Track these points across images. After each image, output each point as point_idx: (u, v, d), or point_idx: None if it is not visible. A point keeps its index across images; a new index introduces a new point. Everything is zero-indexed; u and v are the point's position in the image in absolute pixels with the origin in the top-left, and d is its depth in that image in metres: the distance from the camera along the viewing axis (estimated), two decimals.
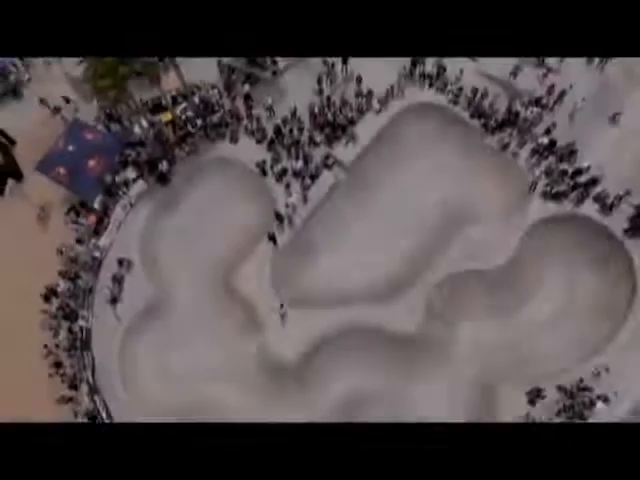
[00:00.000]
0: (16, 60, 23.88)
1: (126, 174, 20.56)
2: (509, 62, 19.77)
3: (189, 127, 21.08)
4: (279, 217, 19.55)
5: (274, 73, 21.70)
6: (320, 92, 21.15)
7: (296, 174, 20.19)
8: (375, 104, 20.59)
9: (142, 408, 18.03)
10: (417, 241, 19.91)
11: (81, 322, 18.82)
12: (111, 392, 18.18)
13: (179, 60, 19.32)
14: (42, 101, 22.62)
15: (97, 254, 19.64)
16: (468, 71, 20.20)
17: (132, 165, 20.67)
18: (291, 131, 20.64)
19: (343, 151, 20.46)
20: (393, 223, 19.93)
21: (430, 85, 20.79)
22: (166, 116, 21.33)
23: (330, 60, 21.01)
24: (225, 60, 21.67)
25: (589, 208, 18.70)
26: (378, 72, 20.17)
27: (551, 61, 20.09)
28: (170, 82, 20.84)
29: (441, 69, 20.47)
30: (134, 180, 20.58)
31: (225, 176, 20.97)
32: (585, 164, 18.83)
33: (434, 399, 17.96)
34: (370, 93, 20.60)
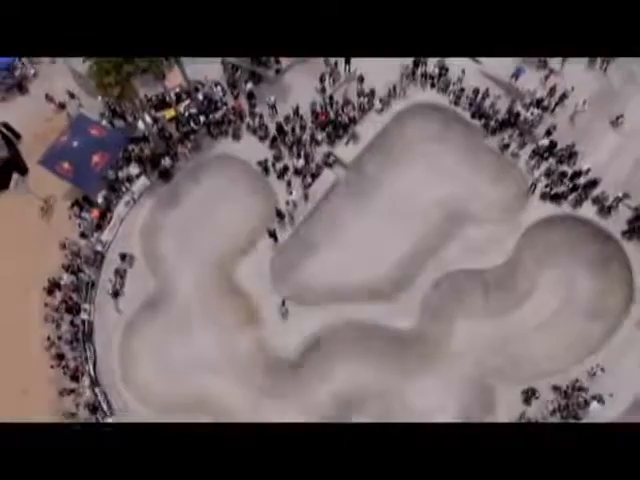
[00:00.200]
0: None
1: (129, 170, 20.77)
2: (511, 63, 19.83)
3: (192, 124, 21.25)
4: (280, 214, 19.72)
5: (277, 71, 21.85)
6: (323, 91, 21.29)
7: (297, 172, 20.35)
8: (377, 103, 20.71)
9: (142, 400, 18.32)
10: (416, 239, 20.05)
11: (83, 315, 19.08)
12: (112, 384, 18.44)
13: (183, 58, 19.49)
14: (48, 96, 22.86)
15: (100, 248, 19.87)
16: (470, 72, 20.29)
17: (135, 161, 20.88)
18: (293, 129, 20.78)
19: (344, 150, 20.60)
20: (393, 221, 20.07)
21: (432, 85, 20.90)
22: (169, 113, 21.54)
23: (333, 59, 21.15)
24: (229, 58, 21.82)
25: (588, 210, 18.82)
26: (380, 72, 20.29)
27: (553, 63, 20.16)
28: (174, 79, 21.05)
29: (443, 70, 20.57)
30: (137, 176, 20.76)
31: (227, 173, 21.15)
32: (585, 166, 18.93)
33: (429, 396, 18.15)
34: (372, 92, 20.75)
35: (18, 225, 20.90)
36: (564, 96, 19.76)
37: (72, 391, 18.40)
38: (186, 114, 21.38)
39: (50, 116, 22.95)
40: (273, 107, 21.08)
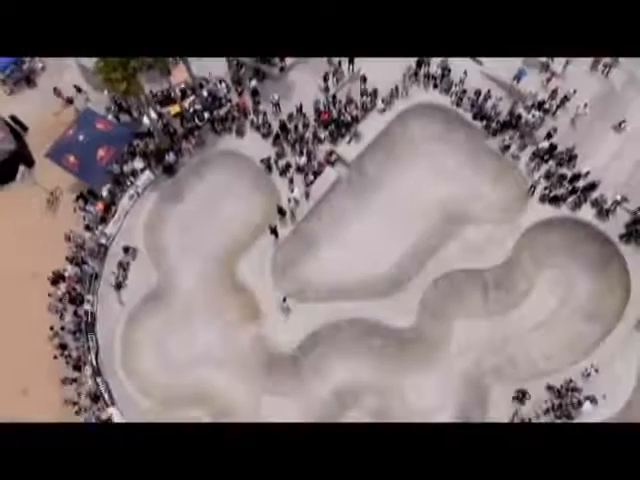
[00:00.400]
0: None
1: (134, 164, 21.02)
2: (513, 65, 19.93)
3: (196, 120, 21.45)
4: (281, 211, 19.93)
5: (281, 69, 22.02)
6: (326, 90, 21.45)
7: (300, 169, 20.55)
8: (380, 103, 20.88)
9: (143, 391, 18.63)
10: (416, 238, 20.21)
11: (86, 306, 19.39)
12: (113, 374, 18.76)
13: None
14: (56, 91, 23.13)
15: (104, 241, 20.15)
16: (472, 73, 20.41)
17: (140, 155, 21.14)
18: (296, 127, 20.98)
19: (346, 148, 20.78)
20: (393, 220, 20.25)
21: (435, 86, 21.03)
22: (174, 109, 21.75)
23: (337, 58, 21.30)
24: None
25: (586, 213, 18.95)
26: (384, 72, 20.43)
27: (555, 65, 20.25)
28: (179, 76, 21.27)
29: (446, 71, 20.69)
30: (142, 170, 21.01)
31: (230, 169, 21.38)
32: (584, 169, 19.05)
33: (427, 394, 18.42)
34: (375, 92, 20.91)
35: (24, 216, 21.22)
36: (566, 99, 19.85)
37: (74, 380, 18.75)
38: (191, 110, 21.58)
39: (57, 110, 23.25)
40: (277, 105, 21.28)
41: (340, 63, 21.40)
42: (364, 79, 20.93)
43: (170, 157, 21.00)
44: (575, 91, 19.67)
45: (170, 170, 21.21)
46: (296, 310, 19.12)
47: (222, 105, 21.67)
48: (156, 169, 21.20)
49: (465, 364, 18.72)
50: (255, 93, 21.60)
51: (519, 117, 19.96)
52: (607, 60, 20.23)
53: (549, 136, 19.59)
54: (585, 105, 19.44)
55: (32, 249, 20.14)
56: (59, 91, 23.17)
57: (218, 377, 18.98)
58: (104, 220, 20.44)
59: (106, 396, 18.36)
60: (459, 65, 20.34)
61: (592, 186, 18.88)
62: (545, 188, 19.39)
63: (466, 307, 19.45)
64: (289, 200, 19.99)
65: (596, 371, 16.92)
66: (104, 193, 20.61)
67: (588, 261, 19.15)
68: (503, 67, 20.02)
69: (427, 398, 18.39)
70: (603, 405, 16.64)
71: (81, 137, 20.01)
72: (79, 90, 23.00)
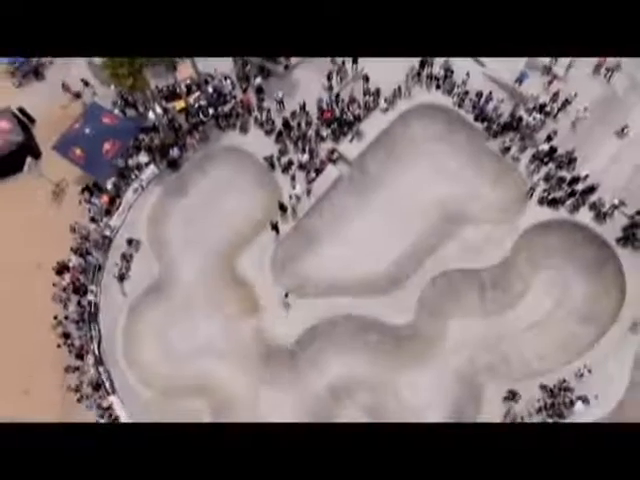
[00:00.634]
0: None
1: (139, 158, 21.33)
2: (515, 67, 20.08)
3: (201, 116, 21.72)
4: (283, 207, 20.19)
5: (286, 67, 22.25)
6: (329, 88, 21.67)
7: (302, 167, 20.80)
8: (382, 103, 21.09)
9: (144, 381, 18.98)
10: (415, 237, 20.42)
11: (90, 296, 19.76)
12: (115, 364, 19.13)
13: None
14: (64, 85, 23.42)
15: (108, 233, 20.50)
16: (474, 75, 20.58)
17: (145, 150, 21.43)
18: (299, 125, 21.22)
19: (348, 147, 21.01)
20: (393, 219, 20.48)
21: (437, 87, 21.21)
22: (179, 104, 22.02)
23: (340, 58, 21.51)
24: None
25: (584, 216, 19.12)
26: (387, 72, 20.64)
27: (557, 68, 20.38)
28: (185, 71, 21.54)
29: (448, 72, 20.87)
30: (146, 164, 21.31)
31: (233, 164, 21.64)
32: (583, 172, 19.20)
33: (422, 391, 18.65)
34: (378, 92, 21.11)
35: (30, 207, 21.58)
36: (567, 102, 20.00)
37: (77, 369, 19.12)
38: (195, 106, 21.85)
39: (65, 103, 23.57)
40: (280, 102, 21.50)
41: (344, 62, 21.60)
42: (367, 79, 21.14)
43: (174, 152, 21.27)
44: (576, 94, 19.82)
45: (174, 165, 21.50)
46: (295, 305, 19.37)
47: (227, 101, 21.92)
48: (160, 163, 21.49)
49: (459, 362, 18.93)
50: (259, 90, 21.83)
51: (520, 119, 20.13)
52: (610, 64, 20.36)
53: (549, 139, 19.75)
54: (585, 109, 19.59)
55: (38, 240, 20.51)
56: (67, 85, 23.48)
57: (218, 368, 19.28)
58: (109, 212, 20.77)
59: (107, 385, 18.73)
60: (461, 66, 20.53)
61: (591, 189, 19.04)
62: (544, 190, 19.56)
63: (463, 306, 19.65)
64: (291, 197, 20.25)
65: (589, 371, 17.13)
66: (109, 186, 20.93)
67: (584, 263, 19.33)
68: (505, 69, 20.18)
69: (421, 394, 18.61)
70: (595, 405, 16.85)
71: (87, 130, 20.30)
72: (86, 84, 23.32)
